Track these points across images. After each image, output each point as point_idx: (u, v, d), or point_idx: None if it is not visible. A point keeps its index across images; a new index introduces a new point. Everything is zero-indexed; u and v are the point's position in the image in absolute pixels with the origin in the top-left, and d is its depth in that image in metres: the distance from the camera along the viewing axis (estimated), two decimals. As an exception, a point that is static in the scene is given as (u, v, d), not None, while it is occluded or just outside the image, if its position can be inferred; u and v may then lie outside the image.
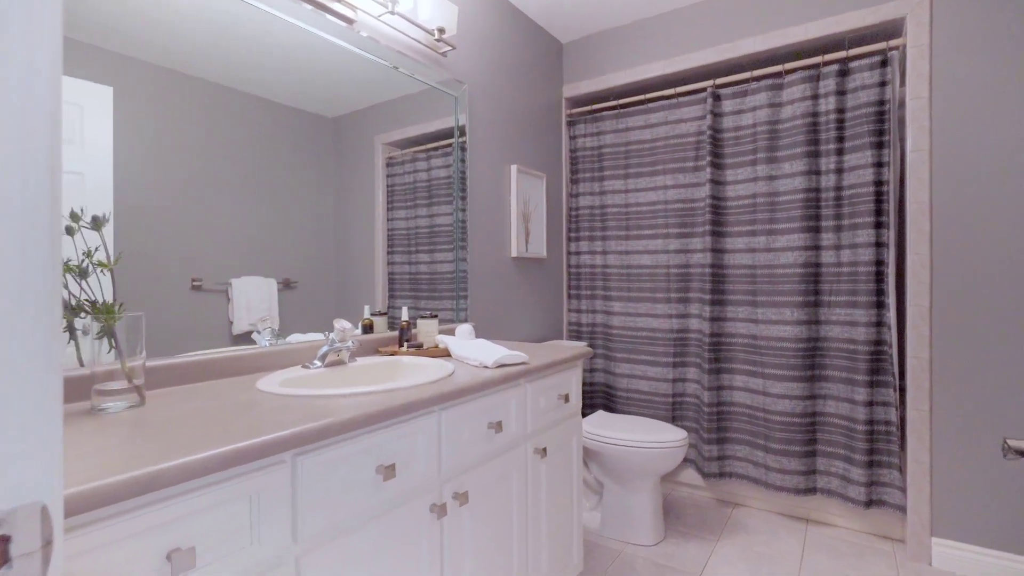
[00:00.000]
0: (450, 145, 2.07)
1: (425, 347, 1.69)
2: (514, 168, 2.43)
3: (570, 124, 2.91)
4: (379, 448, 1.01)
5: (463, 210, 2.14)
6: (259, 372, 1.36)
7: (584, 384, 2.85)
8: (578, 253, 2.87)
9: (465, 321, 2.14)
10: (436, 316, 1.73)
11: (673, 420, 2.59)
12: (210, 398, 1.06)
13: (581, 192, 2.86)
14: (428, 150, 1.97)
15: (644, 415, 2.65)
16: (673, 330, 2.58)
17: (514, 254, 2.43)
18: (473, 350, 1.50)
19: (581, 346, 1.95)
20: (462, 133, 2.13)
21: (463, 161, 2.14)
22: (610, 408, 2.78)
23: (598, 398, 2.83)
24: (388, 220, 1.82)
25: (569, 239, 2.91)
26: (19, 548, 0.30)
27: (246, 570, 0.79)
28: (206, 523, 0.74)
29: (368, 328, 1.71)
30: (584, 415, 2.79)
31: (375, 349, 1.71)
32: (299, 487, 0.87)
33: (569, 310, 2.91)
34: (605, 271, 2.79)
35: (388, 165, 1.82)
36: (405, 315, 1.74)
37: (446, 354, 1.62)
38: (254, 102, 1.41)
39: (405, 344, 1.67)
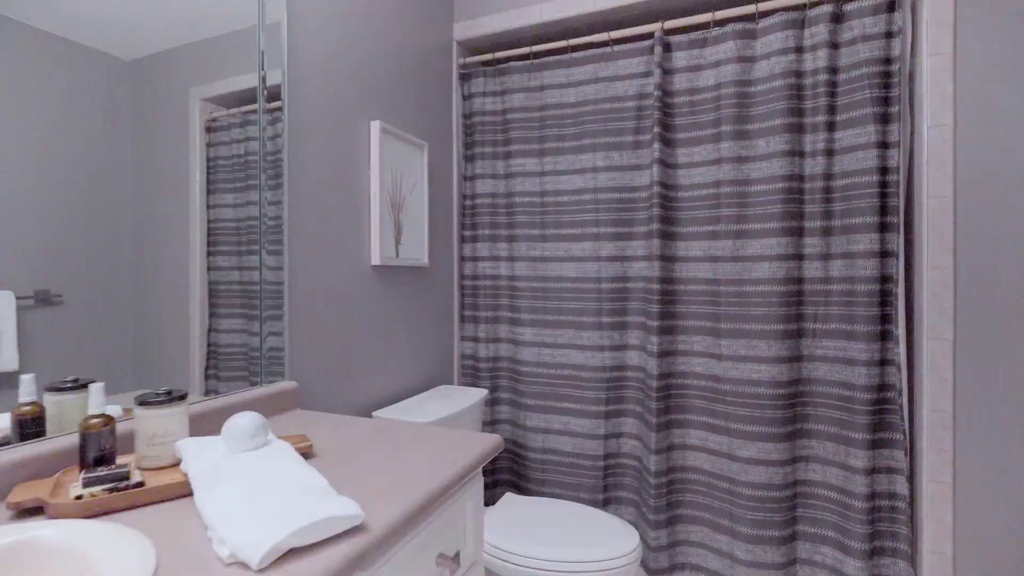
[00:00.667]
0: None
1: (153, 470, 0.78)
2: (375, 127, 1.55)
3: (464, 78, 2.09)
4: None
5: (277, 202, 1.24)
6: None
7: (484, 441, 2.05)
8: (475, 259, 2.07)
9: (272, 383, 1.23)
10: (180, 398, 0.82)
11: (605, 491, 1.88)
12: None
13: (479, 173, 2.05)
14: (270, 110, 1.14)
15: (566, 489, 1.91)
16: (606, 367, 1.86)
17: (376, 261, 1.56)
18: (227, 509, 0.62)
19: (479, 436, 1.16)
20: (274, 95, 1.24)
21: (279, 124, 1.25)
22: (519, 485, 2.00)
23: (502, 464, 2.04)
24: (209, 208, 1.06)
25: (463, 239, 2.09)
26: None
27: None
28: None
29: (26, 425, 0.76)
30: (485, 500, 1.99)
31: (22, 492, 0.75)
32: None
33: (463, 337, 2.10)
34: (512, 284, 2.01)
35: (210, 130, 0.97)
36: (99, 401, 0.79)
37: (184, 492, 0.73)
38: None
39: (100, 469, 0.73)
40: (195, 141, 1.06)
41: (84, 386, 0.85)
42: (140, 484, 0.72)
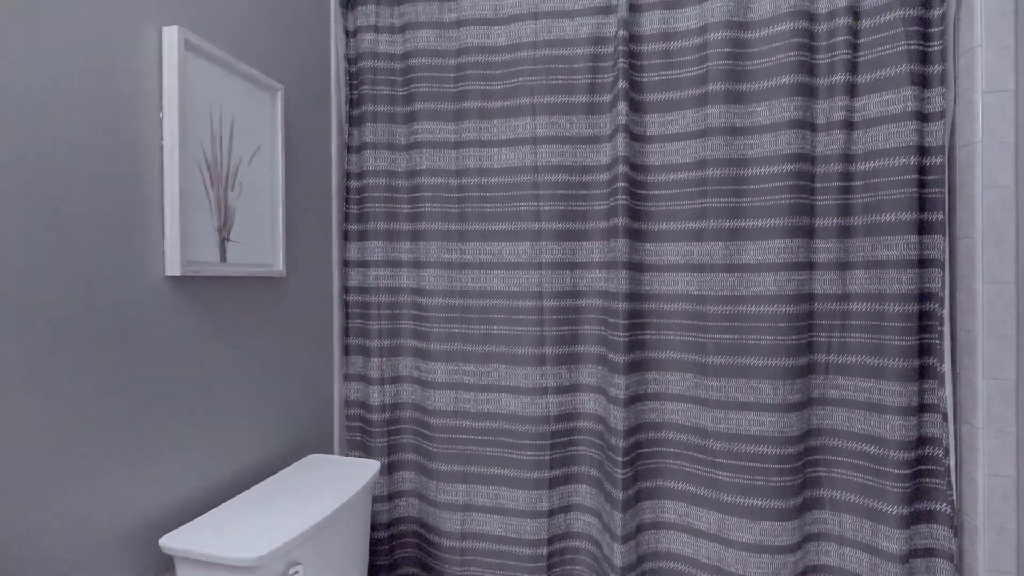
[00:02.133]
0: None
1: None
2: (171, 36, 0.90)
3: (348, 4, 1.47)
4: None
5: None
6: None
7: (379, 527, 1.44)
8: (363, 264, 1.45)
9: None
10: None
11: (551, 591, 1.35)
12: None
13: (369, 142, 1.44)
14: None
15: (497, 592, 1.36)
16: (550, 417, 1.34)
17: (174, 270, 0.91)
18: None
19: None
20: None
21: None
22: None
23: (404, 554, 1.45)
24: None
25: (346, 235, 1.47)
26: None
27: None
28: None
29: None
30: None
31: None
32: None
33: (347, 376, 1.47)
34: (418, 301, 1.43)
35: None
36: None
37: None
38: None
39: None
40: None
41: None
42: None
